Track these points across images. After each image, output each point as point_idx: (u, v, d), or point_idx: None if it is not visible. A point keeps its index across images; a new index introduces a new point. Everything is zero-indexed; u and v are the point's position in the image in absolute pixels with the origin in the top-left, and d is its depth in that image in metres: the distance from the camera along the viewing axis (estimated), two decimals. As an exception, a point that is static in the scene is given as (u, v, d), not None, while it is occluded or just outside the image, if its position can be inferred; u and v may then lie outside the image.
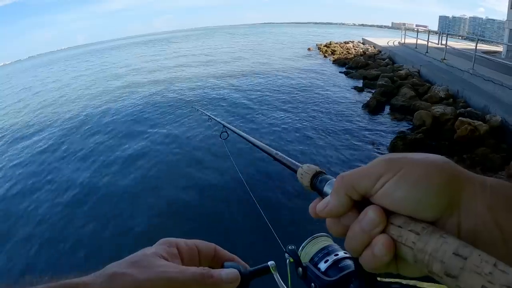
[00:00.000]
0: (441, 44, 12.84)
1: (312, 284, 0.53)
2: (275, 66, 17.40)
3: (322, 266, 0.53)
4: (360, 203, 0.34)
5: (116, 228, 4.59)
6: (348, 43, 24.93)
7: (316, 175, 0.44)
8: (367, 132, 7.29)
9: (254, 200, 1.75)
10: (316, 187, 0.43)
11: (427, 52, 12.82)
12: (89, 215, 5.00)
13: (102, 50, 61.67)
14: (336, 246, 0.56)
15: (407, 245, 0.29)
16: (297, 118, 8.47)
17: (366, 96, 10.09)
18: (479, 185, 0.30)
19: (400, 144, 6.13)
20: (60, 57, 62.92)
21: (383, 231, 0.31)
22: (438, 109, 7.01)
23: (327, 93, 10.94)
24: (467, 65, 9.18)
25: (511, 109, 6.24)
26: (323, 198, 0.39)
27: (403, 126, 7.36)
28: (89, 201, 5.42)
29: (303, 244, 0.59)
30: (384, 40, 21.09)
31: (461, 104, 7.36)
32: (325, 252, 0.55)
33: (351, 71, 14.41)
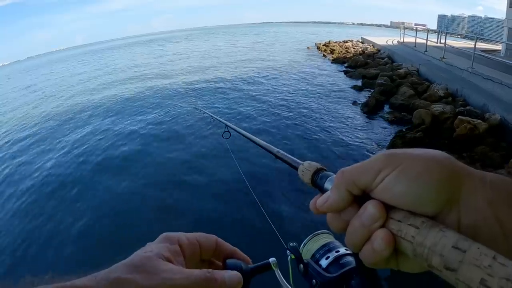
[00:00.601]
0: (440, 43, 12.83)
1: (313, 280, 0.53)
2: (274, 65, 17.38)
3: (324, 262, 0.53)
4: (360, 198, 0.34)
5: (118, 224, 4.61)
6: (347, 42, 24.91)
7: (317, 171, 0.45)
8: (366, 131, 7.29)
9: (255, 198, 1.76)
10: (317, 184, 0.44)
11: (426, 51, 12.81)
12: (90, 211, 5.03)
13: (102, 50, 61.56)
14: (337, 243, 0.57)
15: (407, 239, 0.29)
16: (296, 117, 8.46)
17: (365, 95, 10.08)
18: (479, 180, 0.30)
19: (400, 142, 6.14)
20: (60, 58, 62.81)
21: (383, 225, 0.31)
22: (437, 107, 7.01)
23: (326, 92, 10.93)
24: (466, 64, 9.18)
25: (510, 108, 6.24)
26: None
27: (402, 125, 7.35)
28: (90, 196, 5.45)
29: (304, 241, 0.59)
30: (383, 39, 21.08)
31: (460, 102, 7.37)
32: (326, 248, 0.55)
33: (350, 70, 14.40)
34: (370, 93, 9.90)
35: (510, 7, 12.99)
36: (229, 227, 4.28)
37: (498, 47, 14.41)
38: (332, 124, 7.82)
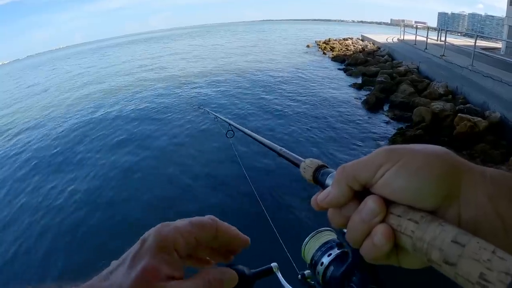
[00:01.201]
0: (440, 41, 12.81)
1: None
2: (274, 63, 17.35)
3: (325, 259, 0.54)
4: (360, 193, 0.34)
5: (119, 221, 4.65)
6: (347, 39, 24.85)
7: (319, 168, 0.45)
8: (366, 129, 7.29)
9: (257, 196, 1.77)
10: (319, 180, 0.44)
11: (426, 48, 12.80)
12: (94, 207, 5.08)
13: (101, 48, 61.33)
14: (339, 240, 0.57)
15: (406, 233, 0.29)
16: (297, 115, 8.46)
17: (365, 92, 10.08)
18: (479, 175, 0.30)
19: (400, 140, 6.14)
20: (61, 56, 62.59)
21: (383, 220, 0.31)
22: (437, 105, 7.01)
23: (326, 90, 10.93)
24: (466, 62, 9.16)
25: (510, 106, 6.23)
26: None
27: (403, 123, 7.36)
28: (96, 194, 5.48)
29: (306, 239, 0.59)
30: (383, 37, 21.04)
31: (460, 100, 7.36)
32: (328, 246, 0.56)
33: (350, 67, 14.37)
34: (370, 91, 9.89)
35: (510, 5, 12.97)
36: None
37: (498, 45, 14.40)
38: (332, 122, 7.82)
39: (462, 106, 6.92)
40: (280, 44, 29.38)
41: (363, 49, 18.68)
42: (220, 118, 2.18)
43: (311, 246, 0.58)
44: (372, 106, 8.61)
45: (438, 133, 6.37)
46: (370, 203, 0.32)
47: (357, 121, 7.80)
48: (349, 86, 11.36)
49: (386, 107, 8.60)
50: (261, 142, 0.83)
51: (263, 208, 1.71)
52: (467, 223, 0.29)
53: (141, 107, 10.83)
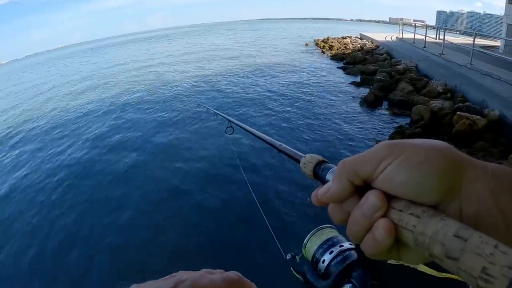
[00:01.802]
0: (439, 39, 12.82)
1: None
2: (273, 62, 17.34)
3: (327, 257, 0.53)
4: (361, 188, 0.34)
5: (117, 217, 4.66)
6: (345, 38, 24.83)
7: (319, 164, 0.45)
8: (365, 127, 7.30)
9: (253, 194, 1.77)
10: (319, 176, 0.44)
11: (425, 47, 12.81)
12: (87, 205, 5.10)
13: (100, 47, 61.24)
14: (341, 237, 0.57)
15: (408, 228, 0.29)
16: (296, 113, 8.47)
17: (364, 91, 10.08)
18: (480, 170, 0.30)
19: (399, 138, 6.08)
20: (59, 56, 62.44)
21: (384, 215, 0.31)
22: (436, 103, 7.01)
23: (325, 88, 10.94)
24: (465, 60, 9.18)
25: (509, 104, 6.24)
26: None
27: (401, 121, 7.37)
28: (87, 190, 5.53)
29: (308, 235, 0.59)
30: (382, 35, 21.04)
31: (459, 98, 7.36)
32: (329, 243, 0.55)
33: (349, 66, 14.37)
34: (368, 89, 9.89)
35: (509, 3, 12.98)
36: (228, 223, 4.30)
37: (497, 43, 14.41)
38: (331, 120, 7.82)
39: (461, 104, 6.92)
40: (279, 43, 29.35)
41: (361, 47, 18.67)
42: (220, 115, 2.18)
43: (312, 243, 0.57)
44: (371, 105, 8.62)
45: (437, 131, 6.37)
46: (371, 198, 0.31)
47: (356, 120, 7.81)
48: (348, 84, 11.36)
49: (385, 106, 8.62)
50: (260, 138, 0.83)
51: (260, 205, 1.71)
52: (469, 217, 0.29)
53: (141, 105, 10.86)
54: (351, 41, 22.40)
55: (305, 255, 0.59)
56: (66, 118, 10.72)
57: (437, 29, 15.34)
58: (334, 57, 17.44)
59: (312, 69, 14.75)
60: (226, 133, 1.86)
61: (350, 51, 18.20)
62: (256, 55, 21.08)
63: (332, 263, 0.52)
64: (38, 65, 45.98)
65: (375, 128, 7.18)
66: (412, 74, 10.01)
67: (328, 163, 0.45)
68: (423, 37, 13.37)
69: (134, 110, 10.36)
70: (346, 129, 7.21)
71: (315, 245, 0.57)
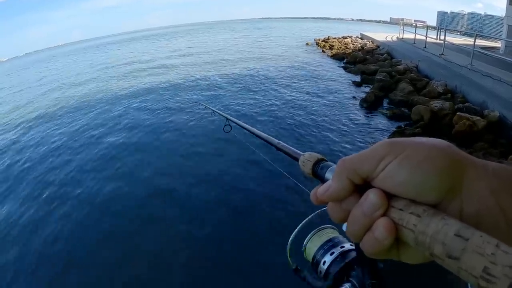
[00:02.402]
0: (440, 40, 12.83)
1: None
2: (273, 61, 17.35)
3: (328, 258, 0.53)
4: (361, 187, 0.33)
5: (116, 212, 4.66)
6: (346, 38, 24.85)
7: (318, 162, 0.45)
8: (365, 127, 7.30)
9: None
10: (318, 174, 0.43)
11: (425, 47, 12.81)
12: (82, 204, 5.08)
13: (100, 45, 61.28)
14: (341, 238, 0.56)
15: (408, 227, 0.28)
16: (295, 112, 8.47)
17: (364, 90, 10.09)
18: (481, 169, 0.30)
19: (398, 139, 6.15)
20: (59, 53, 62.43)
21: (384, 214, 0.31)
22: (436, 104, 7.01)
23: (325, 88, 10.94)
24: (465, 61, 9.18)
25: (509, 105, 6.25)
26: None
27: (401, 121, 7.37)
28: (81, 192, 5.47)
29: (309, 236, 0.59)
30: (383, 35, 21.06)
31: (459, 99, 7.37)
32: (330, 244, 0.55)
33: (349, 66, 14.38)
34: (369, 89, 9.89)
35: (509, 4, 12.99)
36: (225, 220, 4.31)
37: (498, 44, 14.42)
38: (331, 119, 7.83)
39: (461, 105, 6.93)
40: (279, 42, 29.35)
41: (362, 47, 18.67)
42: (218, 113, 2.18)
43: (312, 244, 0.57)
44: (371, 104, 8.62)
45: (437, 131, 6.38)
46: (371, 197, 0.31)
47: (356, 119, 7.81)
48: (348, 84, 11.37)
49: (385, 105, 8.62)
50: (259, 136, 0.83)
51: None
52: (470, 216, 0.28)
53: (139, 103, 10.86)
54: (351, 41, 22.41)
55: (305, 255, 0.59)
56: (65, 115, 10.74)
57: (438, 29, 15.36)
58: (335, 57, 17.46)
59: (313, 68, 14.75)
60: (224, 131, 1.87)
61: (351, 50, 18.21)
62: (256, 53, 21.09)
63: (333, 265, 0.52)
64: (39, 62, 46.02)
65: (375, 128, 7.19)
66: (412, 74, 10.01)
67: (327, 161, 0.45)
68: (424, 38, 13.38)
69: (132, 108, 10.36)
70: (346, 128, 7.21)
71: (315, 246, 0.56)
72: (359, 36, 24.87)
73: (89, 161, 6.69)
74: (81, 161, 6.77)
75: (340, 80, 12.17)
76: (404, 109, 7.84)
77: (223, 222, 4.29)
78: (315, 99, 9.68)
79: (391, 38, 19.22)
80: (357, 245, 0.34)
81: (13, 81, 26.50)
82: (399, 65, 11.46)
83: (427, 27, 14.66)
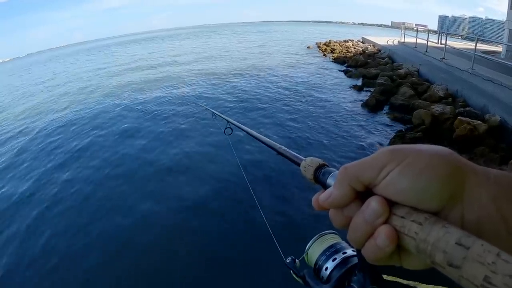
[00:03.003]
0: (441, 44, 12.85)
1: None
2: (274, 64, 17.36)
3: (330, 264, 0.53)
4: (363, 194, 0.34)
5: (116, 212, 4.68)
6: (347, 41, 24.87)
7: (319, 167, 0.45)
8: (366, 131, 7.29)
9: (254, 196, 1.77)
10: (320, 180, 0.43)
11: (426, 51, 12.82)
12: (83, 205, 5.07)
13: (102, 47, 61.49)
14: (344, 244, 0.56)
15: (410, 235, 0.29)
16: (296, 116, 8.47)
17: (365, 94, 10.07)
18: (482, 176, 0.30)
19: (399, 142, 6.13)
20: (61, 54, 62.62)
21: (386, 221, 0.31)
22: (437, 108, 7.01)
23: (326, 91, 10.94)
24: (466, 65, 9.18)
25: (510, 109, 6.24)
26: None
27: (402, 125, 7.36)
28: (84, 192, 5.47)
29: (310, 242, 0.58)
30: (384, 39, 21.07)
31: (460, 103, 7.36)
32: (333, 250, 0.55)
33: (351, 69, 14.38)
34: (370, 93, 9.88)
35: (510, 8, 12.99)
36: (227, 224, 4.30)
37: (499, 48, 14.41)
38: (332, 123, 7.82)
39: (462, 109, 6.92)
40: (280, 45, 29.40)
41: (363, 51, 18.69)
42: (219, 115, 2.17)
43: (314, 250, 0.57)
44: (372, 108, 8.62)
45: (437, 136, 6.37)
46: (373, 204, 0.31)
47: (357, 123, 7.80)
48: (349, 88, 11.36)
49: (386, 109, 8.61)
50: (259, 140, 0.83)
51: (260, 208, 1.71)
52: (470, 224, 0.28)
53: (140, 105, 10.84)
54: (353, 45, 22.44)
55: (307, 261, 0.59)
56: (65, 115, 10.74)
57: (439, 33, 15.38)
58: (336, 60, 17.47)
59: (314, 72, 14.76)
60: (225, 134, 1.87)
61: (352, 54, 18.24)
62: (257, 57, 21.11)
63: (335, 271, 0.52)
64: (41, 63, 46.10)
65: (376, 132, 7.18)
66: (413, 78, 10.01)
67: (329, 166, 0.45)
68: (425, 42, 13.38)
69: (134, 109, 10.37)
70: (347, 133, 7.20)
71: (317, 252, 0.56)
72: (361, 40, 24.91)
73: (89, 161, 6.70)
74: (81, 161, 6.77)
75: (341, 83, 12.17)
76: (405, 113, 7.82)
77: (222, 225, 4.28)
78: (315, 103, 9.68)
79: (393, 42, 19.24)
80: (358, 250, 0.34)
81: (22, 79, 26.57)
82: (400, 69, 11.45)
83: (428, 31, 14.68)
